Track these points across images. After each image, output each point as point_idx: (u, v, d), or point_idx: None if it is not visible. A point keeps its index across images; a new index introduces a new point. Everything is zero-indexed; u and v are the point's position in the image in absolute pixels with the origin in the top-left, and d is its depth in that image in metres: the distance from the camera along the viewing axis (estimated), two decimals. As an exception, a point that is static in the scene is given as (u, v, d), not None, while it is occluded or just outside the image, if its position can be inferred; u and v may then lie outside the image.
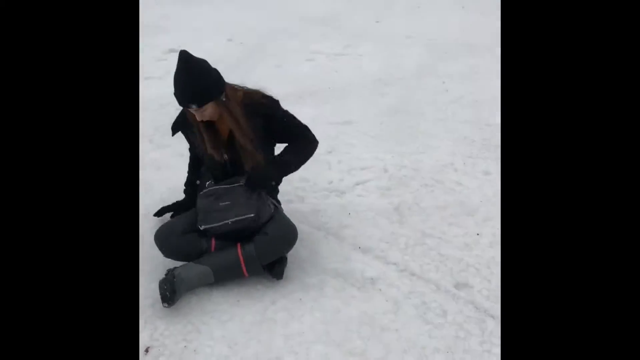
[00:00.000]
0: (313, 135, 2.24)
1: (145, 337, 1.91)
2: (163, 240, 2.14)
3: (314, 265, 2.25)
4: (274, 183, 2.30)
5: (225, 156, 2.15)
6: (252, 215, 2.10)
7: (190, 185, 2.44)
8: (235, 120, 2.05)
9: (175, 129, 2.24)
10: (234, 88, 2.11)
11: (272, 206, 2.22)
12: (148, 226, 2.45)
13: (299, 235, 2.17)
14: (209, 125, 2.11)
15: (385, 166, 3.04)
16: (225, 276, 2.11)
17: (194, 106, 1.98)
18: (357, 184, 2.89)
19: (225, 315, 2.01)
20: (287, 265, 2.21)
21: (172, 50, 4.96)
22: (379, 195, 2.77)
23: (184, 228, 2.17)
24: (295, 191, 2.80)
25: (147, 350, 1.86)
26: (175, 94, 1.99)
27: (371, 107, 3.91)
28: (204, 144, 2.13)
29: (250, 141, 2.08)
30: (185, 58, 1.96)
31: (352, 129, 3.56)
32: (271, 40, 5.73)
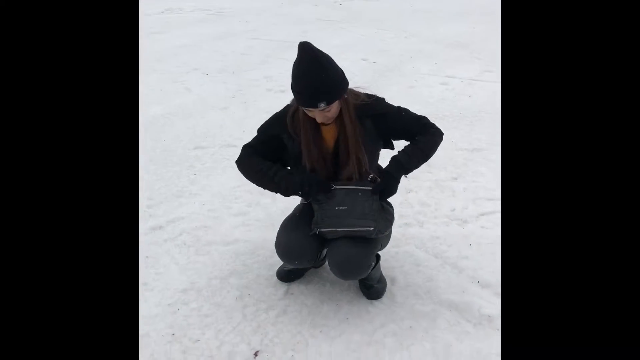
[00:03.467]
0: (435, 125, 1.98)
1: (255, 342, 1.97)
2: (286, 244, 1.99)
3: (427, 294, 2.18)
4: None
5: (327, 167, 1.94)
6: (371, 228, 1.91)
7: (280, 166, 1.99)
8: (351, 124, 1.86)
9: (266, 131, 1.99)
10: (351, 88, 1.90)
11: (392, 218, 2.05)
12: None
13: (416, 261, 2.11)
14: (316, 131, 1.91)
15: (514, 199, 2.88)
16: None
17: (322, 104, 1.76)
18: (482, 214, 2.76)
19: (333, 331, 2.01)
20: (400, 289, 2.16)
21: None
22: (505, 228, 2.61)
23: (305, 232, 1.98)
24: (415, 215, 2.74)
25: (256, 354, 1.91)
26: (299, 90, 1.77)
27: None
28: (307, 154, 1.90)
29: (361, 148, 1.88)
30: (311, 50, 1.75)
31: (481, 156, 3.42)
32: (405, 62, 5.72)
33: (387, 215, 1.99)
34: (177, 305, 2.15)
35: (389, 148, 2.05)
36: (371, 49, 6.27)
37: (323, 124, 1.89)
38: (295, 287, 2.24)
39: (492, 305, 2.10)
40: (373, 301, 2.13)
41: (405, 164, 1.92)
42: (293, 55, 1.80)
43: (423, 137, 1.95)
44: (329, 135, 1.93)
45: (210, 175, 3.26)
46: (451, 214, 2.77)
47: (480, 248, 2.47)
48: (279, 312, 2.09)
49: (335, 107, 1.82)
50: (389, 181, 1.93)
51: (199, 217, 2.79)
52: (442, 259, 2.40)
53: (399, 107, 1.98)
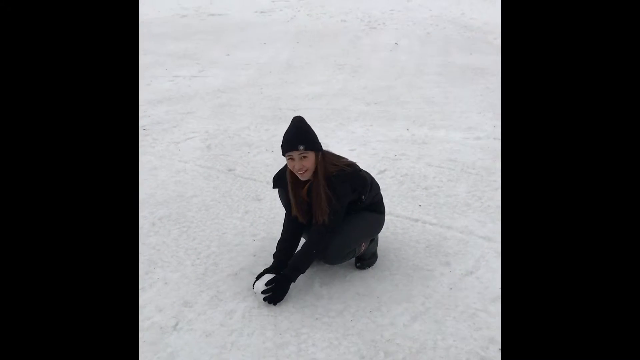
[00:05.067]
0: (330, 231, 2.30)
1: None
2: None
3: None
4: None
5: (304, 213, 2.38)
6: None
7: (282, 251, 2.43)
8: (319, 183, 2.25)
9: (276, 182, 2.48)
10: (335, 162, 2.31)
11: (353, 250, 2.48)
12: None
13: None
14: (296, 186, 2.35)
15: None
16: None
17: (301, 147, 2.16)
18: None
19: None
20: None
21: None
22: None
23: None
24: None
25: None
26: (285, 141, 2.21)
27: (211, 112, 5.35)
28: (292, 202, 2.38)
29: (325, 201, 2.26)
30: (299, 119, 2.26)
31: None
32: (148, 67, 7.32)
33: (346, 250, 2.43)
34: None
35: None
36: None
37: (299, 181, 2.33)
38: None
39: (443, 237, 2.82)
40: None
41: (302, 268, 2.34)
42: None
43: (315, 239, 2.33)
44: (304, 191, 2.41)
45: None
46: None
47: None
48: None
49: (311, 158, 2.22)
50: (285, 284, 2.29)
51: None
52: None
53: (344, 196, 2.32)
